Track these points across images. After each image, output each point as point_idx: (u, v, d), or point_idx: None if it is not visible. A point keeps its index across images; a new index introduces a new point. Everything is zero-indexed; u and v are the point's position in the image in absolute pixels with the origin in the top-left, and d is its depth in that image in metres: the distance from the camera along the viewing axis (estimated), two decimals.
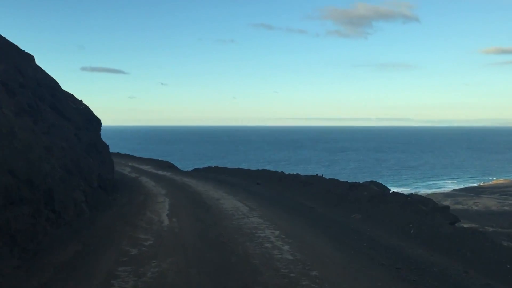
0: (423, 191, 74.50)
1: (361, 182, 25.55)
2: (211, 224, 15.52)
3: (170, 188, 27.27)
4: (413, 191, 70.57)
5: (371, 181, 25.33)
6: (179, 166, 68.48)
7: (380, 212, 15.47)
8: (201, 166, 58.71)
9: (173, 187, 27.68)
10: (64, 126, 18.94)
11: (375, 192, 18.00)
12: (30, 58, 21.07)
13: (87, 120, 27.56)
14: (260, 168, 44.43)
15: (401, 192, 22.01)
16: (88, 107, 31.38)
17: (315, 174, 30.78)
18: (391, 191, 18.95)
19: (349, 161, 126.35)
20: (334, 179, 24.30)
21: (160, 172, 39.18)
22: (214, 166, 43.19)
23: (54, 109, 20.02)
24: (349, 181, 24.21)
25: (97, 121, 30.72)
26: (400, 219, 14.80)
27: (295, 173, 29.65)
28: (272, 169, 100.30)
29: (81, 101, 31.47)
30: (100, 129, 31.74)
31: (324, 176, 25.46)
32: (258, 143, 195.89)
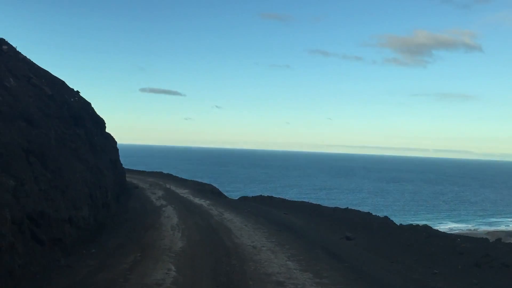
0: (483, 228, 63.38)
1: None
2: None
3: (195, 236, 14.90)
4: (473, 228, 60.21)
5: None
6: (225, 191, 55.68)
7: None
8: (251, 191, 46.42)
9: (200, 234, 15.28)
10: None
11: None
12: None
13: (71, 116, 15.75)
14: (329, 203, 31.74)
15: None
16: (86, 101, 19.66)
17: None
18: None
19: (403, 192, 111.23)
20: None
21: (196, 200, 27.74)
22: (268, 196, 30.48)
23: None
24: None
25: (94, 122, 18.94)
26: None
27: (403, 222, 16.48)
28: (324, 198, 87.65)
29: (77, 92, 19.84)
30: (101, 132, 19.97)
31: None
32: (309, 169, 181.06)
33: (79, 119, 16.66)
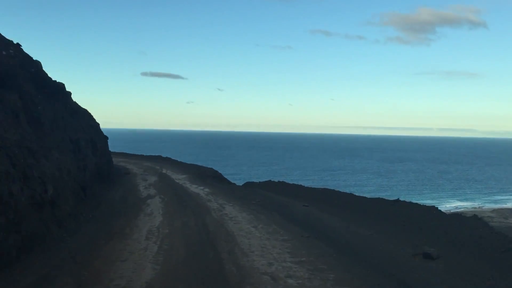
0: (488, 206, 60.04)
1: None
2: None
3: (179, 251, 9.20)
4: (478, 206, 57.41)
5: None
6: (228, 174, 50.00)
7: None
8: (255, 174, 40.83)
9: (187, 247, 9.57)
10: None
11: None
12: None
13: None
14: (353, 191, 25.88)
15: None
16: (28, 58, 13.80)
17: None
18: None
19: (408, 172, 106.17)
20: None
21: (193, 188, 22.62)
22: (279, 181, 24.81)
23: None
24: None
25: (40, 86, 13.09)
26: None
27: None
28: (327, 179, 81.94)
29: (17, 44, 13.92)
30: (54, 102, 14.07)
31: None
32: (313, 151, 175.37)
33: (8, 79, 10.82)
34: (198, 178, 28.06)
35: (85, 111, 23.71)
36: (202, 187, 22.78)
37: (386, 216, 12.10)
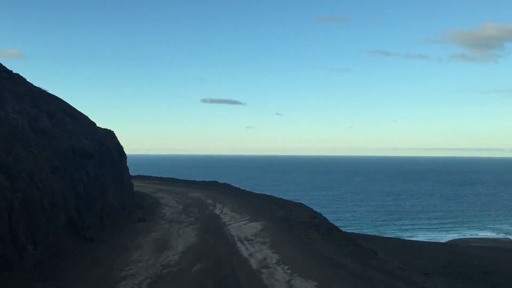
0: None
1: None
2: None
3: None
4: None
5: None
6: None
7: None
8: (318, 198, 39.56)
9: None
10: None
11: None
12: None
13: None
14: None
15: None
16: None
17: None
18: None
19: (479, 195, 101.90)
20: None
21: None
22: None
23: None
24: None
25: None
26: None
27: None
28: (390, 204, 78.23)
29: None
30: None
31: None
32: (375, 174, 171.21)
33: None
34: (288, 231, 16.95)
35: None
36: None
37: None
